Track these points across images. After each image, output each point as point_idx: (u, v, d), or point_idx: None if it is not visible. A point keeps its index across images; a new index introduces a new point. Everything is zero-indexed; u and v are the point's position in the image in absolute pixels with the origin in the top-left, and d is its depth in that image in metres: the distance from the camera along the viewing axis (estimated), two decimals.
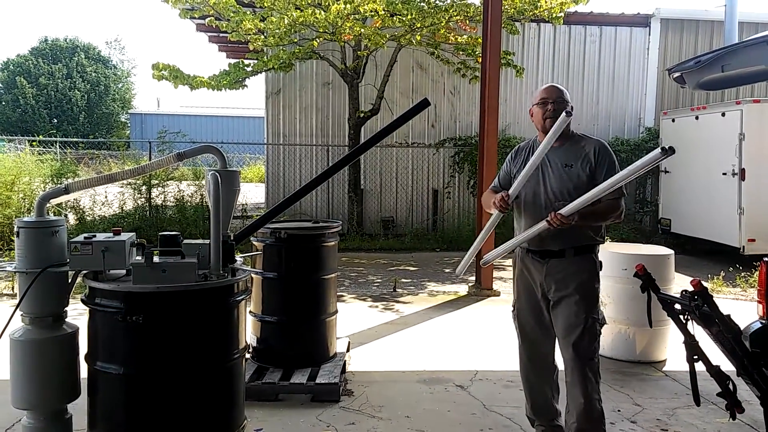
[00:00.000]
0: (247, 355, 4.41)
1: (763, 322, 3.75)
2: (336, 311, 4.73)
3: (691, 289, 2.77)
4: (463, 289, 7.88)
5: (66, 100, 35.88)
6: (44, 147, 13.82)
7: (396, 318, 6.53)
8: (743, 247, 9.39)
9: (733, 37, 11.64)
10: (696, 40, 13.54)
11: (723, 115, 9.87)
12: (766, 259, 3.83)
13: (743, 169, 9.37)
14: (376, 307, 7.00)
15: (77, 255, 2.69)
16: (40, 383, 2.77)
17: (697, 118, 10.60)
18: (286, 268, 4.48)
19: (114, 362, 2.58)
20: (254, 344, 4.56)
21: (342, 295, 7.31)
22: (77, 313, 3.58)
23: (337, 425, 3.80)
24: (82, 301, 2.69)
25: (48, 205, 2.95)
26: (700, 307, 2.68)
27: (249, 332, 4.47)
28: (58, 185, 3.28)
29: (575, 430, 3.16)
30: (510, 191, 3.24)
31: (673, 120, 11.42)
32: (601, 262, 3.29)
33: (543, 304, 3.32)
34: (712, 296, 2.66)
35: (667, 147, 2.69)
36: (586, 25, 13.40)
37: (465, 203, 13.05)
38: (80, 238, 2.74)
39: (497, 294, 7.54)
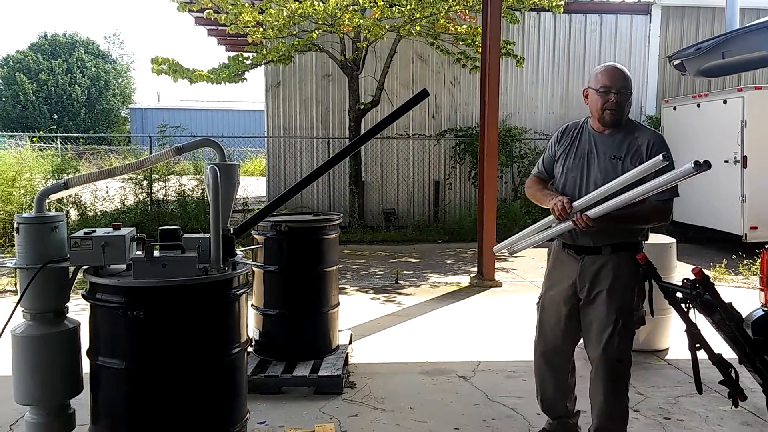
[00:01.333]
0: (250, 349, 4.43)
1: (765, 309, 3.74)
2: (338, 304, 4.74)
3: (692, 277, 2.76)
4: (465, 281, 7.88)
5: (66, 95, 35.82)
6: (45, 143, 13.81)
7: (398, 310, 6.54)
8: (745, 234, 9.37)
9: (734, 23, 11.53)
10: (697, 27, 13.45)
11: (725, 102, 9.82)
12: (767, 246, 3.82)
13: (745, 156, 9.33)
14: (378, 299, 7.00)
15: (77, 250, 2.69)
16: (43, 379, 2.77)
17: (698, 105, 10.56)
18: (287, 261, 4.48)
19: (116, 357, 2.58)
20: (256, 337, 4.56)
21: (344, 288, 7.32)
22: (80, 309, 3.59)
23: (340, 417, 3.81)
24: (83, 296, 2.69)
25: (49, 200, 2.95)
26: (701, 295, 2.67)
27: (251, 325, 4.47)
28: (58, 181, 3.28)
29: (594, 428, 3.11)
30: (575, 203, 2.94)
31: (675, 108, 11.38)
32: (650, 263, 2.98)
33: (570, 303, 3.14)
34: (713, 284, 2.65)
35: (702, 162, 2.56)
36: (586, 14, 13.32)
37: (466, 194, 13.03)
38: (80, 233, 2.74)
39: (499, 285, 7.54)
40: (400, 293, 7.27)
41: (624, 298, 3.00)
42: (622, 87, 3.00)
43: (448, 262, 9.47)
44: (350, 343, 4.95)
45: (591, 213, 2.84)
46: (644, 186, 2.77)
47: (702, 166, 2.55)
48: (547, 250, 3.40)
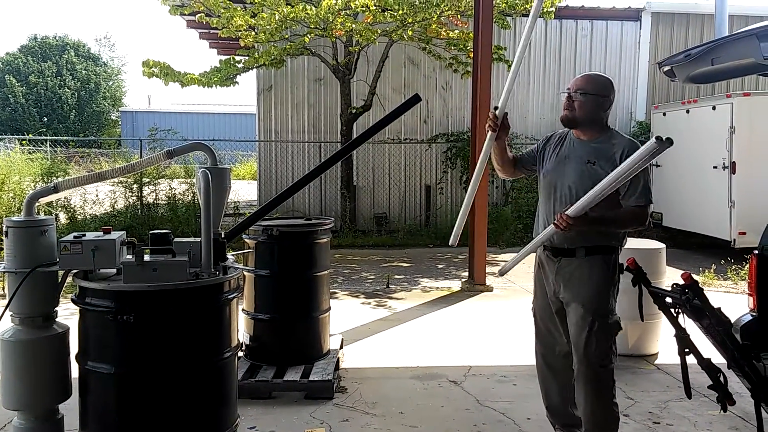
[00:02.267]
0: (240, 353, 4.41)
1: (754, 314, 3.78)
2: (329, 308, 4.73)
3: (681, 282, 2.78)
4: (456, 285, 7.89)
5: (56, 98, 35.64)
6: (34, 146, 13.71)
7: (389, 314, 6.53)
8: (734, 240, 9.44)
9: (724, 30, 11.67)
10: (686, 34, 13.58)
11: (714, 108, 9.91)
12: (756, 251, 3.85)
13: (734, 162, 9.41)
14: (369, 303, 7.00)
15: (67, 254, 2.67)
16: (31, 384, 2.75)
17: (688, 111, 10.64)
18: (278, 265, 4.47)
19: (105, 362, 2.57)
20: (247, 342, 4.55)
21: (335, 292, 7.31)
22: (69, 313, 3.56)
23: (330, 422, 3.80)
24: (73, 300, 2.67)
25: (38, 204, 2.93)
26: (690, 300, 2.69)
27: (242, 330, 4.46)
28: (48, 184, 3.26)
29: None
30: (498, 104, 3.11)
31: (664, 114, 11.46)
32: (622, 265, 3.09)
33: (555, 304, 3.20)
34: (702, 289, 2.67)
35: (664, 138, 2.60)
36: (577, 20, 13.42)
37: (458, 199, 13.05)
38: (70, 237, 2.73)
39: (490, 289, 7.55)
40: (391, 298, 7.27)
41: (598, 302, 3.02)
42: (578, 88, 3.07)
43: (440, 266, 9.48)
44: (341, 347, 4.95)
45: (570, 211, 2.87)
46: (615, 172, 2.79)
47: (664, 143, 2.59)
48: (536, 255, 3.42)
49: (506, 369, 4.73)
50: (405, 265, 9.60)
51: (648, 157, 2.70)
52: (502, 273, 3.52)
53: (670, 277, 4.40)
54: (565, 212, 2.88)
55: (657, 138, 2.61)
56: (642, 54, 13.49)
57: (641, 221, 3.02)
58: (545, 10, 10.91)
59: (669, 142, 2.59)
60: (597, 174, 2.98)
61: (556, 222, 2.93)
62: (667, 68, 3.84)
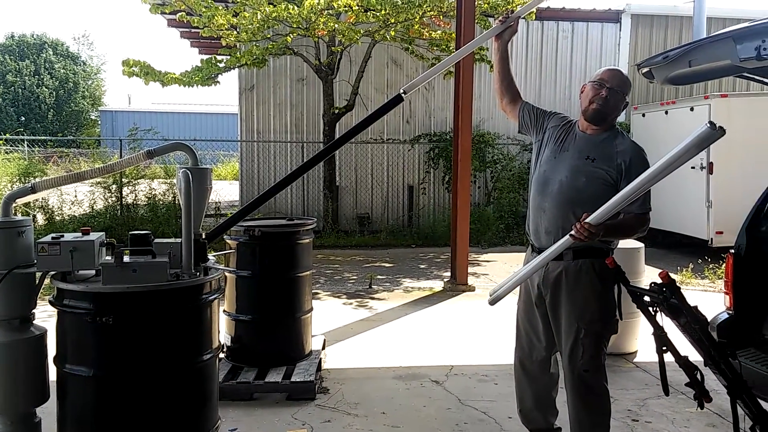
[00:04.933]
0: (222, 355, 4.38)
1: (730, 312, 3.84)
2: (311, 309, 4.72)
3: (659, 281, 2.81)
4: (438, 285, 7.91)
5: (34, 97, 35.13)
6: (11, 145, 13.50)
7: (371, 315, 6.53)
8: (711, 239, 9.58)
9: (702, 32, 11.84)
10: (666, 35, 13.77)
11: (692, 109, 10.04)
12: (732, 251, 3.91)
13: (711, 162, 9.55)
14: (351, 304, 7.00)
15: (44, 255, 2.64)
16: (8, 387, 2.71)
17: (666, 112, 10.78)
18: (260, 266, 4.46)
19: (83, 364, 2.54)
20: (228, 343, 4.52)
21: (317, 293, 7.29)
22: (47, 315, 3.52)
23: (312, 423, 3.80)
24: (50, 302, 2.63)
25: (15, 204, 2.89)
26: (668, 299, 2.71)
27: (223, 331, 4.43)
28: (25, 184, 3.21)
29: None
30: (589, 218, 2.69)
31: (644, 115, 11.60)
32: (618, 267, 2.78)
33: (539, 309, 3.09)
34: (679, 288, 2.69)
35: (717, 125, 2.31)
36: (558, 21, 13.55)
37: (440, 199, 13.10)
38: (48, 238, 2.69)
39: (472, 289, 7.58)
40: (373, 298, 7.27)
41: (585, 307, 2.94)
42: (617, 85, 2.95)
43: (422, 266, 9.50)
44: (323, 348, 4.94)
45: (592, 218, 2.67)
46: (657, 167, 2.56)
47: (717, 131, 2.37)
48: (523, 255, 3.39)
49: (488, 368, 4.75)
50: (387, 265, 9.61)
51: (698, 146, 2.46)
52: (493, 302, 3.15)
53: (649, 275, 4.45)
54: (585, 221, 2.67)
55: (710, 123, 2.39)
56: (622, 55, 13.64)
57: (645, 229, 2.94)
58: None
59: (721, 130, 2.37)
60: (591, 171, 2.90)
61: (574, 233, 2.71)
62: (645, 70, 3.88)
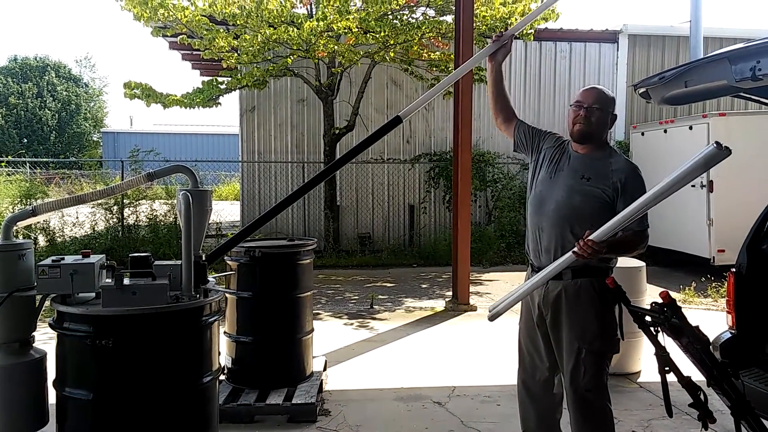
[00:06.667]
0: (222, 377, 4.36)
1: (732, 332, 3.82)
2: (312, 330, 4.70)
3: (660, 301, 2.80)
4: (440, 305, 7.89)
5: (36, 119, 35.35)
6: (13, 167, 13.57)
7: (373, 335, 6.50)
8: (713, 257, 9.56)
9: (698, 52, 11.93)
10: (662, 55, 13.88)
11: (690, 128, 10.09)
12: (733, 269, 3.90)
13: (711, 181, 9.56)
14: (353, 324, 6.97)
15: (45, 278, 2.65)
16: (7, 410, 2.70)
17: (665, 131, 10.82)
18: (260, 287, 4.44)
19: (83, 387, 2.53)
20: (229, 365, 4.50)
21: (318, 313, 7.27)
22: (47, 338, 3.51)
23: None
24: (50, 325, 2.63)
25: (16, 227, 2.90)
26: (669, 318, 2.70)
27: (223, 353, 4.41)
28: (26, 208, 3.23)
29: None
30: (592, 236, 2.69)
31: (643, 133, 11.65)
32: (619, 287, 2.77)
33: (540, 329, 3.07)
34: (680, 308, 2.69)
35: (723, 145, 2.34)
36: (556, 42, 13.66)
37: (441, 218, 13.11)
38: (48, 261, 2.70)
39: (474, 309, 7.56)
40: (374, 318, 7.24)
41: (585, 326, 2.92)
42: (593, 102, 3.00)
43: (423, 286, 9.48)
44: (324, 369, 4.91)
45: (595, 236, 2.66)
46: (663, 184, 2.57)
47: (723, 151, 2.39)
48: (525, 274, 3.38)
49: (490, 389, 4.72)
50: (389, 285, 9.58)
51: (704, 166, 2.47)
52: (492, 318, 3.09)
53: (651, 295, 4.44)
54: (589, 238, 2.67)
55: (716, 144, 2.40)
56: (620, 75, 13.74)
57: (645, 245, 2.93)
58: (525, 32, 11.08)
59: (727, 150, 2.38)
60: (587, 191, 2.91)
61: (577, 250, 2.69)
62: (642, 90, 3.91)
